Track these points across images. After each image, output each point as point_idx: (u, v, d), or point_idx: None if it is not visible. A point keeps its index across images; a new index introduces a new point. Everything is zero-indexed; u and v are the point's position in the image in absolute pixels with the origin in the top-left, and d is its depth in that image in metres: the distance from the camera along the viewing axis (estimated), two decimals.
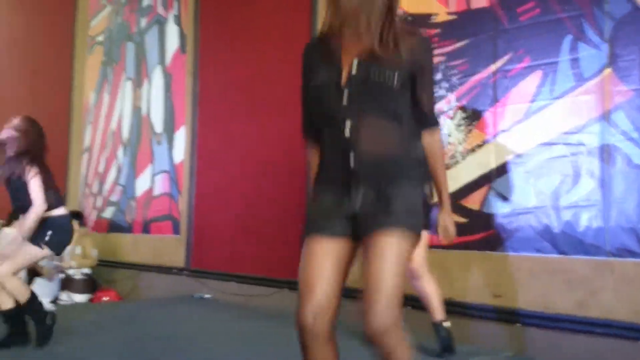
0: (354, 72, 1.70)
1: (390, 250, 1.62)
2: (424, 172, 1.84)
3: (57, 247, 3.58)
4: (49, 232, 3.49)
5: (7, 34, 10.80)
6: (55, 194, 3.59)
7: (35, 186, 3.47)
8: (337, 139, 1.71)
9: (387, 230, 1.64)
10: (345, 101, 1.70)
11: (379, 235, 1.64)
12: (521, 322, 3.40)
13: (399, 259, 1.63)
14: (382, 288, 1.58)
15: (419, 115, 1.80)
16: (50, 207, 3.50)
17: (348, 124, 1.69)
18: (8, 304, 3.40)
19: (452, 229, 2.00)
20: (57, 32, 8.77)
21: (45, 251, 3.51)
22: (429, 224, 3.27)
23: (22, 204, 3.50)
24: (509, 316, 3.44)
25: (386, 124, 1.71)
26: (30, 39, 9.83)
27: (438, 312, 3.19)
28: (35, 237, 3.45)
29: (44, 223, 3.49)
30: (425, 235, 3.23)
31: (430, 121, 1.82)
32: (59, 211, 3.58)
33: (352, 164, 1.69)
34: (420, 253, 3.19)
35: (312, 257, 1.69)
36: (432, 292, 3.20)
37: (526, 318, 3.37)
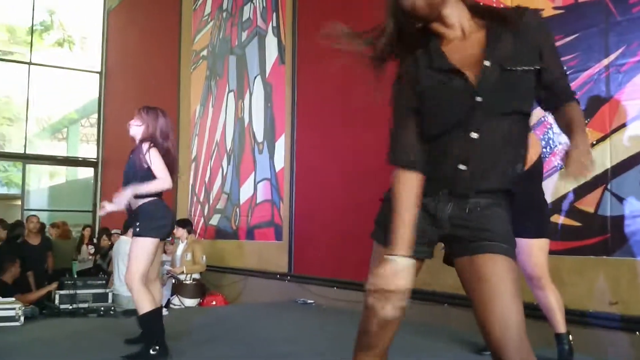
0: (485, 64, 1.52)
1: (509, 281, 1.51)
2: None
3: (152, 231, 3.49)
4: (138, 224, 3.53)
5: (119, 55, 11.53)
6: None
7: (157, 164, 3.49)
8: (453, 154, 1.55)
9: (496, 256, 1.54)
10: (476, 106, 1.52)
11: (488, 260, 1.54)
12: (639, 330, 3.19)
13: (516, 291, 1.52)
14: (512, 325, 1.48)
15: (558, 90, 1.58)
16: (144, 195, 3.55)
17: (474, 135, 1.53)
18: (145, 308, 3.42)
19: (588, 162, 1.44)
20: (164, 50, 9.25)
21: (146, 239, 3.46)
22: (548, 230, 3.16)
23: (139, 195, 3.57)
24: (627, 324, 3.24)
25: (517, 130, 1.55)
26: (139, 58, 10.43)
27: (561, 324, 3.06)
28: (133, 232, 3.55)
29: (133, 216, 3.56)
30: (546, 242, 3.12)
31: (571, 93, 1.60)
32: (146, 199, 3.54)
33: (465, 184, 1.55)
34: (542, 261, 3.08)
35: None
36: (555, 303, 3.07)
37: None
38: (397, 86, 1.65)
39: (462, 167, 1.54)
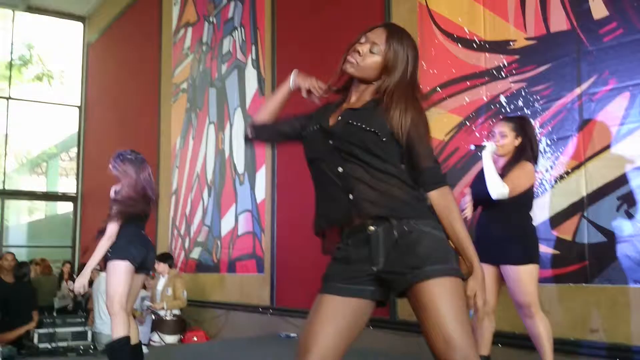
0: (339, 119, 1.78)
1: (445, 302, 1.56)
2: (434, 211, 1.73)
3: (124, 253, 3.50)
4: (109, 250, 3.54)
5: (99, 89, 11.52)
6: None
7: (111, 227, 3.55)
8: (334, 187, 1.75)
9: (432, 281, 1.58)
10: (331, 148, 1.75)
11: (424, 287, 1.58)
12: (621, 358, 3.18)
13: (455, 309, 1.56)
14: (455, 339, 1.52)
15: (420, 175, 1.71)
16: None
17: (340, 169, 1.72)
18: (118, 333, 3.40)
19: (481, 299, 1.68)
20: (144, 83, 9.26)
21: (118, 261, 3.47)
22: (538, 257, 3.15)
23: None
24: (609, 352, 3.23)
25: (379, 171, 1.69)
26: (119, 91, 10.44)
27: (549, 353, 3.04)
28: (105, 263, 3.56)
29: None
30: (535, 268, 3.11)
31: (434, 177, 1.71)
32: (126, 225, 3.58)
33: (359, 209, 1.67)
34: (532, 289, 3.06)
35: (316, 319, 1.66)
36: (544, 333, 3.04)
37: (626, 353, 3.16)
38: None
39: (350, 196, 1.70)
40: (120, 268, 3.49)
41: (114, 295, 3.44)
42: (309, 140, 1.89)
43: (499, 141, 3.23)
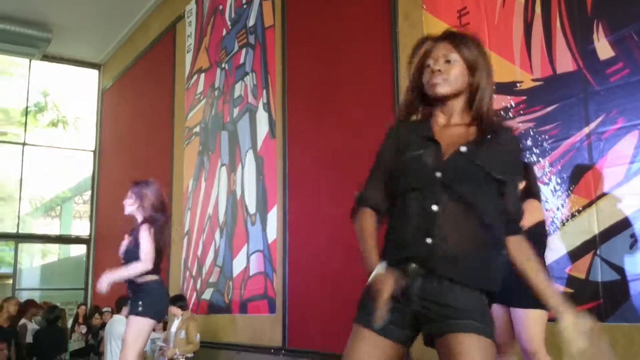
0: (462, 150, 1.69)
1: (474, 354, 1.54)
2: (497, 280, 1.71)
3: (155, 314, 3.51)
4: (140, 302, 3.50)
5: (113, 133, 11.71)
6: (156, 261, 3.64)
7: (145, 244, 3.54)
8: (421, 214, 1.66)
9: (467, 335, 1.56)
10: (437, 182, 1.66)
11: (458, 339, 1.56)
12: None
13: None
14: None
15: (507, 219, 1.71)
16: (148, 272, 3.55)
17: (435, 208, 1.64)
18: None
19: (581, 344, 1.61)
20: (157, 127, 9.41)
21: (147, 319, 3.47)
22: None
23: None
24: None
25: (472, 217, 1.64)
26: (133, 135, 10.60)
27: None
28: (131, 310, 3.51)
29: (136, 292, 3.53)
30: (544, 314, 3.09)
31: (517, 226, 1.73)
32: (152, 277, 3.59)
33: (436, 263, 1.62)
34: (538, 335, 3.03)
35: (354, 352, 1.67)
36: None
37: None
38: (383, 143, 1.85)
39: (428, 240, 1.62)
40: (147, 327, 3.51)
41: (132, 352, 3.42)
42: (409, 167, 1.73)
43: None
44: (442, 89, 1.73)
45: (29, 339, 7.43)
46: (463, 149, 1.68)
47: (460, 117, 1.78)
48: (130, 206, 3.79)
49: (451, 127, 1.76)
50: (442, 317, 1.60)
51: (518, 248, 1.71)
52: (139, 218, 3.74)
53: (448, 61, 1.74)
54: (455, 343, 1.55)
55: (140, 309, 3.46)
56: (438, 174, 1.66)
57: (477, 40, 1.81)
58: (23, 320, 7.65)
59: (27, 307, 7.91)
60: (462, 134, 1.74)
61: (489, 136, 1.71)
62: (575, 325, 1.62)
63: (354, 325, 1.73)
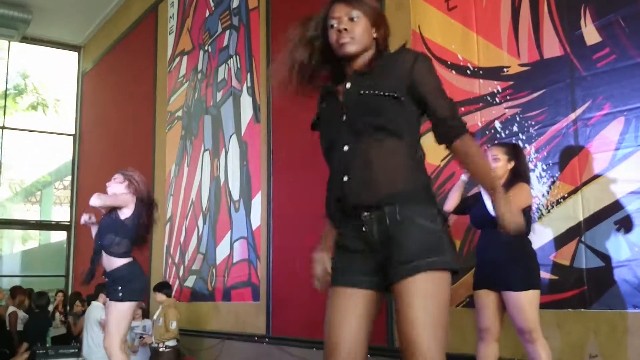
0: (347, 87, 1.76)
1: (418, 298, 1.55)
2: (433, 198, 1.73)
3: (134, 295, 3.51)
4: (119, 287, 3.48)
5: (93, 117, 11.54)
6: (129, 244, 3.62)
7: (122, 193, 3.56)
8: (338, 167, 1.74)
9: (408, 278, 1.57)
10: (343, 123, 1.74)
11: (402, 285, 1.57)
12: None
13: (428, 305, 1.54)
14: (418, 344, 1.50)
15: (440, 125, 1.73)
16: (120, 255, 3.53)
17: (345, 148, 1.71)
18: None
19: (513, 217, 1.71)
20: (139, 111, 9.28)
21: (128, 303, 3.46)
22: (539, 282, 3.14)
23: (100, 245, 3.57)
24: None
25: (385, 145, 1.67)
26: (114, 119, 10.45)
27: None
28: (110, 296, 3.49)
29: (112, 278, 3.51)
30: (536, 294, 3.10)
31: (455, 127, 1.71)
32: (125, 260, 3.56)
33: (350, 195, 1.68)
34: (533, 315, 3.05)
35: (336, 311, 1.68)
36: (546, 358, 3.02)
37: None
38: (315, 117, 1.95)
39: (345, 178, 1.69)
40: (128, 310, 3.51)
41: (116, 337, 3.40)
42: (323, 121, 1.87)
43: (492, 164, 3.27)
44: (351, 47, 1.77)
45: (19, 327, 7.33)
46: (347, 85, 1.77)
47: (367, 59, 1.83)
48: (119, 184, 3.73)
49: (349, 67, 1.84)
50: (394, 262, 1.61)
51: (463, 151, 1.71)
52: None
53: (351, 19, 1.77)
54: (402, 291, 1.57)
55: (120, 294, 3.45)
56: (343, 118, 1.74)
57: None
58: (12, 308, 7.54)
59: (15, 294, 7.79)
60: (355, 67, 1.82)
61: (375, 64, 1.77)
62: (506, 202, 1.72)
63: (329, 291, 1.77)
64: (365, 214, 1.65)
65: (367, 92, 1.70)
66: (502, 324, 3.24)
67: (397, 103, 1.69)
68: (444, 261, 1.60)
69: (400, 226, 1.61)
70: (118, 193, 3.62)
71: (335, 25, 1.78)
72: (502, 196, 1.70)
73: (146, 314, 7.12)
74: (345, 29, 1.75)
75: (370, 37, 1.79)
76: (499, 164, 3.29)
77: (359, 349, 1.63)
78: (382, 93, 1.69)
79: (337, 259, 1.76)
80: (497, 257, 3.17)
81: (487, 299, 3.24)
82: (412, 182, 1.67)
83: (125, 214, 3.62)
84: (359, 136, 1.68)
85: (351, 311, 1.65)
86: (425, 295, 1.55)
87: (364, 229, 1.66)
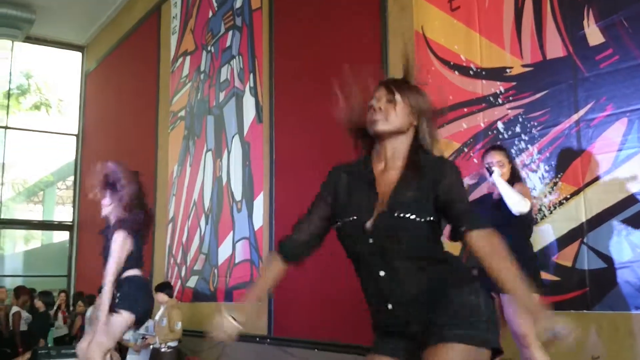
0: (377, 221, 1.69)
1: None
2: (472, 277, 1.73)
3: (130, 307, 3.40)
4: (118, 295, 3.41)
5: (96, 117, 11.56)
6: (134, 256, 3.55)
7: (115, 247, 3.45)
8: (375, 290, 1.73)
9: (441, 345, 1.59)
10: (371, 246, 1.69)
11: (433, 352, 1.59)
12: None
13: None
14: None
15: (460, 218, 1.65)
16: (128, 268, 3.48)
17: (382, 274, 1.68)
18: None
19: (561, 329, 1.57)
20: (142, 111, 9.29)
21: (123, 315, 3.38)
22: (537, 285, 3.13)
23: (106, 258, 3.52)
24: None
25: (418, 267, 1.67)
26: (116, 119, 10.46)
27: None
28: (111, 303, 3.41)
29: (117, 285, 3.44)
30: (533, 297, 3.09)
31: (474, 218, 1.66)
32: (131, 272, 3.52)
33: (398, 321, 1.70)
34: (529, 320, 3.04)
35: None
36: None
37: None
38: (322, 186, 1.93)
39: (389, 306, 1.68)
40: (123, 322, 3.41)
41: (101, 344, 3.33)
42: (346, 234, 1.78)
43: (499, 169, 3.30)
44: (380, 127, 1.74)
45: (22, 327, 7.33)
46: (382, 209, 1.69)
47: (401, 161, 1.77)
48: (107, 207, 3.68)
49: (388, 171, 1.77)
50: (430, 325, 1.64)
51: (483, 243, 1.62)
52: (113, 218, 3.62)
53: (390, 101, 1.75)
54: (434, 355, 1.58)
55: (116, 300, 3.38)
56: (370, 240, 1.68)
57: (420, 85, 1.82)
58: (16, 308, 7.55)
59: (19, 294, 7.79)
60: (394, 182, 1.74)
61: (411, 173, 1.72)
62: (548, 326, 1.59)
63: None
64: (413, 326, 1.69)
65: (401, 215, 1.65)
66: (505, 327, 3.24)
67: (431, 226, 1.67)
68: (481, 337, 1.62)
69: (445, 312, 1.66)
70: (115, 250, 3.49)
71: (373, 103, 1.77)
72: (536, 307, 1.62)
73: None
74: (380, 108, 1.74)
75: (408, 122, 1.76)
76: (505, 169, 3.30)
77: None
78: (416, 218, 1.64)
79: (377, 336, 1.79)
80: None
81: None
82: (454, 272, 1.71)
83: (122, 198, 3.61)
84: (392, 261, 1.67)
85: None
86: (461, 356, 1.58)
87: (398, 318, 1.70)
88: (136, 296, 3.44)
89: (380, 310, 1.71)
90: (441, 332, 1.59)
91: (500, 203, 3.23)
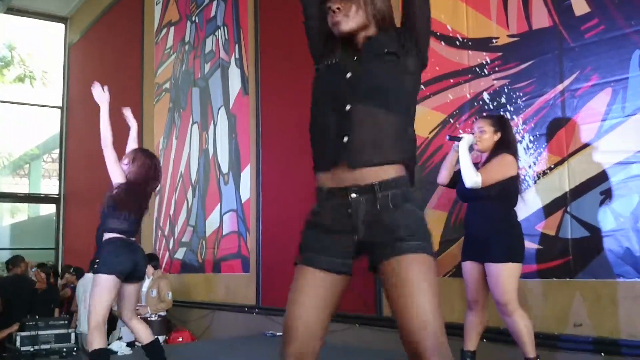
0: (354, 59, 1.72)
1: (423, 281, 1.54)
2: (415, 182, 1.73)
3: (110, 269, 3.46)
4: (97, 260, 3.50)
5: (80, 90, 11.41)
6: (123, 220, 3.62)
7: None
8: (334, 127, 1.68)
9: (412, 256, 1.56)
10: (346, 81, 1.70)
11: (403, 262, 1.56)
12: (605, 352, 3.21)
13: (432, 289, 1.55)
14: (426, 313, 1.51)
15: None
16: (110, 230, 3.55)
17: (348, 107, 1.66)
18: (94, 345, 3.40)
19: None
20: (126, 83, 9.18)
21: (105, 276, 3.44)
22: (522, 256, 3.17)
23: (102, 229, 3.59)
24: (593, 345, 3.25)
25: (389, 113, 1.66)
26: None
27: (530, 350, 3.05)
28: (93, 268, 3.54)
29: (98, 250, 3.55)
30: (517, 267, 3.13)
31: None
32: (113, 235, 3.58)
33: (352, 155, 1.64)
34: (511, 288, 3.08)
35: (298, 294, 1.65)
36: (524, 330, 3.05)
37: (610, 346, 3.18)
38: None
39: (345, 139, 1.63)
40: (106, 283, 3.46)
41: (93, 309, 3.41)
42: (322, 74, 1.80)
43: (478, 136, 3.29)
44: (345, 25, 1.72)
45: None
46: (363, 45, 1.74)
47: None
48: (125, 165, 3.79)
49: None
50: (387, 240, 1.60)
51: None
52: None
53: None
54: (404, 267, 1.56)
55: (96, 265, 3.46)
56: (348, 75, 1.70)
57: None
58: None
59: (17, 262, 7.74)
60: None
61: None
62: None
63: (296, 267, 1.72)
64: (354, 195, 1.62)
65: (373, 53, 1.70)
66: (488, 295, 3.28)
67: (401, 66, 1.70)
68: (433, 250, 1.63)
69: (392, 211, 1.60)
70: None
71: (330, 5, 1.73)
72: None
73: None
74: (338, 8, 1.71)
75: (370, 12, 1.73)
76: (486, 135, 3.29)
77: (318, 336, 1.63)
78: (386, 51, 1.69)
79: (309, 235, 1.71)
80: (482, 230, 3.20)
81: (473, 271, 3.27)
82: (403, 161, 1.66)
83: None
84: (364, 98, 1.65)
85: (321, 297, 1.63)
86: (429, 274, 1.56)
87: (348, 210, 1.63)
88: (113, 259, 3.49)
89: (332, 148, 1.69)
90: (404, 243, 1.57)
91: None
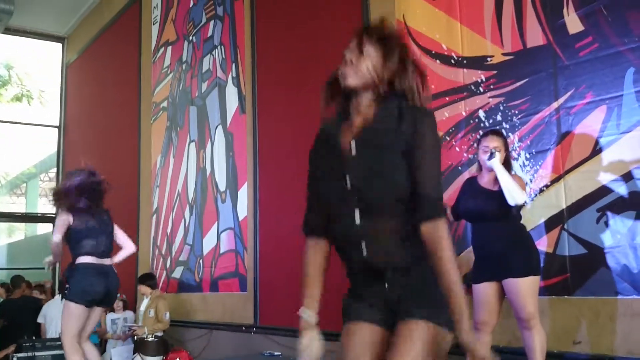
0: (353, 153, 1.65)
1: (409, 341, 1.57)
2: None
3: (77, 297, 3.70)
4: (67, 287, 3.71)
5: (78, 109, 11.45)
6: (90, 243, 3.78)
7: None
8: (349, 235, 1.68)
9: (406, 321, 1.60)
10: (349, 189, 1.65)
11: (399, 327, 1.61)
12: None
13: (415, 348, 1.55)
14: None
15: (417, 201, 1.58)
16: (79, 254, 3.74)
17: (358, 222, 1.64)
18: None
19: (479, 349, 1.56)
20: (124, 102, 9.22)
21: (72, 303, 3.68)
22: (539, 268, 3.19)
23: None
24: None
25: (393, 214, 1.61)
26: (98, 111, 10.37)
27: None
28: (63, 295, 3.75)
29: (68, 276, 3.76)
30: (535, 280, 3.14)
31: (430, 209, 1.57)
32: (80, 260, 3.77)
33: (365, 256, 1.66)
34: (532, 302, 3.09)
35: (352, 347, 1.68)
36: (538, 345, 3.07)
37: None
38: (310, 153, 1.87)
39: (363, 244, 1.65)
40: (74, 310, 3.80)
41: (65, 331, 3.76)
42: (321, 175, 1.79)
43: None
44: (351, 80, 1.66)
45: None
46: (353, 143, 1.66)
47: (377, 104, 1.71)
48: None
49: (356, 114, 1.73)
50: (406, 305, 1.64)
51: (431, 238, 1.57)
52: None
53: (362, 52, 1.65)
54: (398, 330, 1.59)
55: (66, 292, 3.71)
56: (348, 186, 1.65)
57: (396, 33, 1.72)
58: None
59: (19, 282, 7.74)
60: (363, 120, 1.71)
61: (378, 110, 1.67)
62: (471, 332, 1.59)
63: (343, 328, 1.78)
64: (389, 274, 1.64)
65: (371, 150, 1.62)
66: (500, 316, 3.29)
67: (400, 164, 1.61)
68: (444, 319, 1.59)
69: (417, 280, 1.64)
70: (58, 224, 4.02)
71: (346, 54, 1.68)
72: (467, 323, 1.56)
73: (127, 306, 7.15)
74: (352, 61, 1.65)
75: (382, 75, 1.65)
76: (502, 155, 3.33)
77: None
78: (390, 159, 1.61)
79: (350, 301, 1.76)
80: (497, 248, 3.22)
81: (488, 292, 3.25)
82: (418, 244, 1.64)
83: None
84: (368, 209, 1.62)
85: (373, 345, 1.66)
86: (420, 339, 1.56)
87: (385, 285, 1.66)
88: (83, 289, 3.78)
89: (355, 250, 1.68)
90: (410, 311, 1.60)
91: (496, 193, 3.25)
